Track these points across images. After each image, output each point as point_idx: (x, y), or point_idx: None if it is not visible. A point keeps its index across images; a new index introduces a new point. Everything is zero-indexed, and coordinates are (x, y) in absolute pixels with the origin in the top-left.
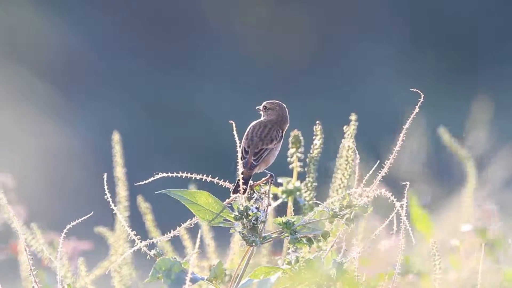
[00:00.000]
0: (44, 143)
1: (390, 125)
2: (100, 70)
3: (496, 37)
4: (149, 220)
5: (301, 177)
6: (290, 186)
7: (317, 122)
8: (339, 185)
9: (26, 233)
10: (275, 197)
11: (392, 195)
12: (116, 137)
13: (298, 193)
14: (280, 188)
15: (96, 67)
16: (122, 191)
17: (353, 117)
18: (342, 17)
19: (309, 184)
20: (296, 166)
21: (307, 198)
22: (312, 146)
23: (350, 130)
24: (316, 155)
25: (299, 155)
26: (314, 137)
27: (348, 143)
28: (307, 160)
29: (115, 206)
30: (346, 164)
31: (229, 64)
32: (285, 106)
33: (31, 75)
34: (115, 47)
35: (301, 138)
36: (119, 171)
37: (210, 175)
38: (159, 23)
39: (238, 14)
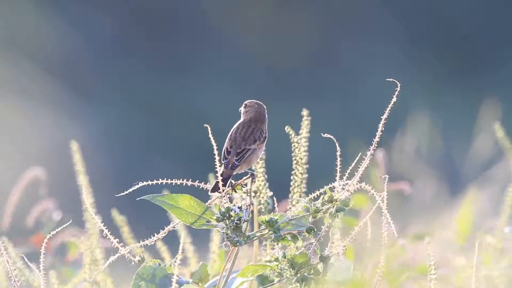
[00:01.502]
0: (42, 142)
1: (390, 125)
2: (99, 69)
3: (495, 37)
4: (126, 232)
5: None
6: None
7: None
8: (293, 189)
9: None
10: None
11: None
12: (74, 146)
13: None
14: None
15: (96, 66)
16: (87, 198)
17: (305, 112)
18: (342, 17)
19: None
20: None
21: (263, 208)
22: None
23: (303, 130)
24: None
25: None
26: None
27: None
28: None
29: (83, 213)
30: (296, 169)
31: (229, 64)
32: (264, 106)
33: (30, 74)
34: (115, 46)
35: None
36: (82, 179)
37: (197, 179)
38: (159, 23)
39: (238, 14)
